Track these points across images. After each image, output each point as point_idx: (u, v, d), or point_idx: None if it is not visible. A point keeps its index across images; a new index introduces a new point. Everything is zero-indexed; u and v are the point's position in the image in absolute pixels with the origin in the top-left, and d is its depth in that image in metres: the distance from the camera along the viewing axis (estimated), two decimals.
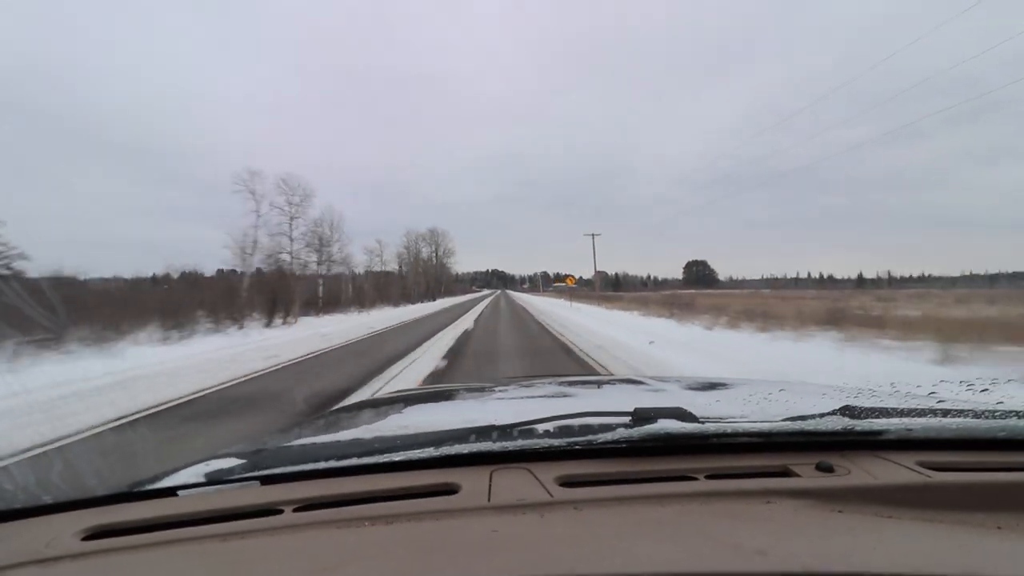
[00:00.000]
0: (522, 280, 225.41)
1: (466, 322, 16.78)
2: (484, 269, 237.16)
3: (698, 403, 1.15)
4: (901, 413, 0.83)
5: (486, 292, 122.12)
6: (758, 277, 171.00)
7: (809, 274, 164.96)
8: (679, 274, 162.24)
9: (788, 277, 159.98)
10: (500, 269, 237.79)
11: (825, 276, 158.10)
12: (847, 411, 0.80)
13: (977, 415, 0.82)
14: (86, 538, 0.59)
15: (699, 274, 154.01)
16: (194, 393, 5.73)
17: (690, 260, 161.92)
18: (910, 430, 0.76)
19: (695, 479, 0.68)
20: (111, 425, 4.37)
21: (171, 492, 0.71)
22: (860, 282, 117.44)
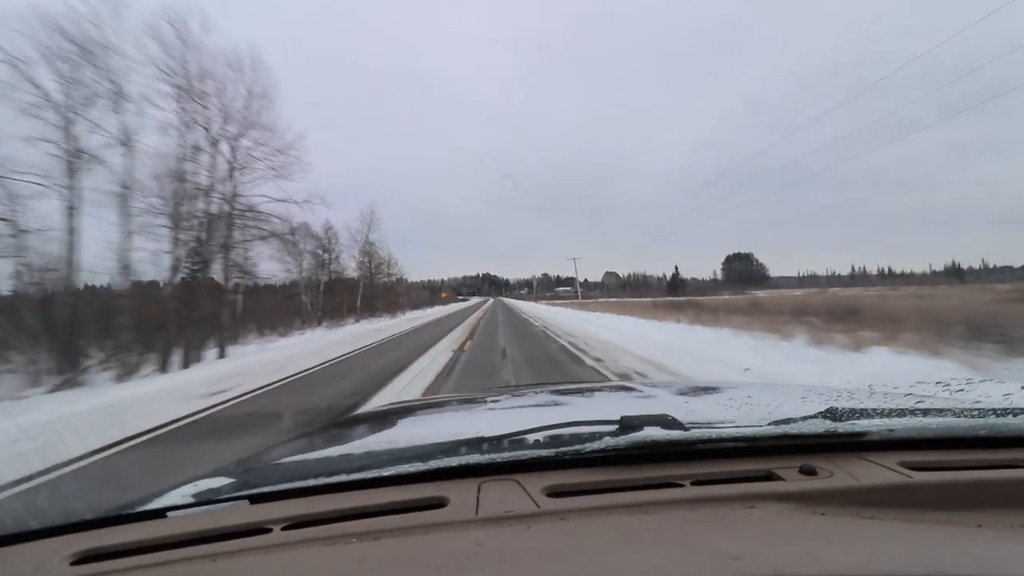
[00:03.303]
0: (519, 285, 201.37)
1: None
2: (475, 273, 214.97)
3: (684, 409, 1.17)
4: (883, 414, 0.83)
5: (474, 302, 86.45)
6: (794, 274, 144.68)
7: (864, 269, 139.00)
8: (708, 273, 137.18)
9: (835, 274, 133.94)
10: (493, 274, 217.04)
11: (885, 271, 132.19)
12: (830, 413, 0.81)
13: (957, 414, 0.81)
14: (75, 563, 0.58)
15: (743, 271, 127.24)
16: None
17: (731, 254, 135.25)
18: (892, 431, 0.76)
19: (681, 486, 0.68)
20: None
21: (160, 514, 0.70)
22: (957, 274, 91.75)
